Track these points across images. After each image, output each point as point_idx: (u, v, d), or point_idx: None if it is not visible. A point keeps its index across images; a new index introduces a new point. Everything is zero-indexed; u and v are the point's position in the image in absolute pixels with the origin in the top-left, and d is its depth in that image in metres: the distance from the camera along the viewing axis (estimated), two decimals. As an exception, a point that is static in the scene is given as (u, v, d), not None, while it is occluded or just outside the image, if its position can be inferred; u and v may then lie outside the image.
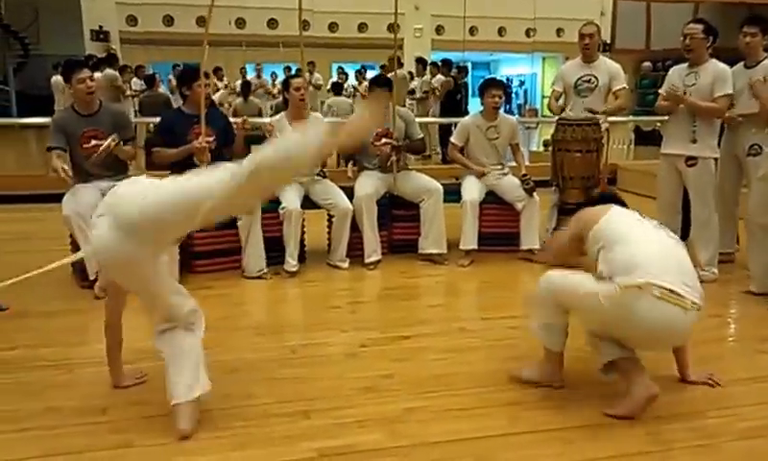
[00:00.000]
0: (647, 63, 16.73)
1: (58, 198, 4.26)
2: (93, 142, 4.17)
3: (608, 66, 5.06)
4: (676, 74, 4.50)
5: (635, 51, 16.67)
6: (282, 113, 4.99)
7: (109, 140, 4.16)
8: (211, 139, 4.42)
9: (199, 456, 2.36)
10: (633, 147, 10.53)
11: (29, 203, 6.72)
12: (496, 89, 4.98)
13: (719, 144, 4.50)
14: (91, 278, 4.10)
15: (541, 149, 10.16)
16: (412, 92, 11.14)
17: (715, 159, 4.45)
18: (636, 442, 2.47)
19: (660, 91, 4.67)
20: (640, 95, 15.60)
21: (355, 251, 4.84)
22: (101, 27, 16.28)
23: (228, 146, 4.64)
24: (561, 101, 5.19)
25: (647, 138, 10.43)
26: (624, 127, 10.64)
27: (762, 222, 4.14)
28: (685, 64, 4.47)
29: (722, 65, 4.35)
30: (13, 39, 17.76)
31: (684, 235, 4.79)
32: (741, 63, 4.40)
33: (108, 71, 10.46)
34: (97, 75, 7.66)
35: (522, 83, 22.48)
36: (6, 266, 4.26)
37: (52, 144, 4.20)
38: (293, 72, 8.35)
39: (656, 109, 4.85)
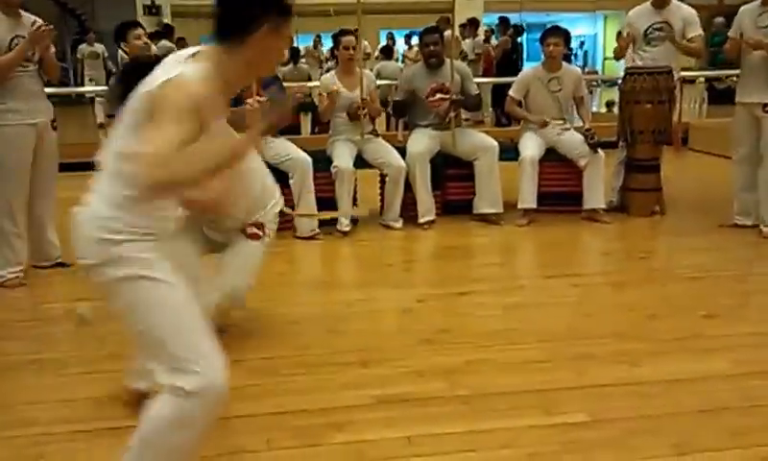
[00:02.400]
0: (720, 19, 15.95)
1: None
2: None
3: (682, 12, 4.81)
4: (747, 15, 4.27)
5: (705, 6, 15.94)
6: (332, 71, 4.97)
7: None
8: (262, 100, 4.42)
9: (259, 400, 2.39)
10: (705, 106, 10.14)
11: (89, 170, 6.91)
12: (555, 37, 4.80)
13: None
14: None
15: (604, 109, 9.89)
16: (462, 53, 10.96)
17: None
18: (719, 396, 2.37)
19: (729, 34, 4.45)
20: (712, 54, 14.96)
21: (408, 211, 4.80)
22: (153, 1, 16.60)
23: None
24: (626, 47, 4.96)
25: (721, 97, 10.00)
26: (696, 86, 10.25)
27: None
28: (758, 2, 4.24)
29: None
30: (71, 17, 18.35)
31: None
32: None
33: (165, 43, 10.62)
34: (153, 48, 7.80)
35: (582, 44, 21.84)
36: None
37: (111, 112, 4.32)
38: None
39: (725, 52, 4.63)
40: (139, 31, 4.34)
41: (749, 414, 2.26)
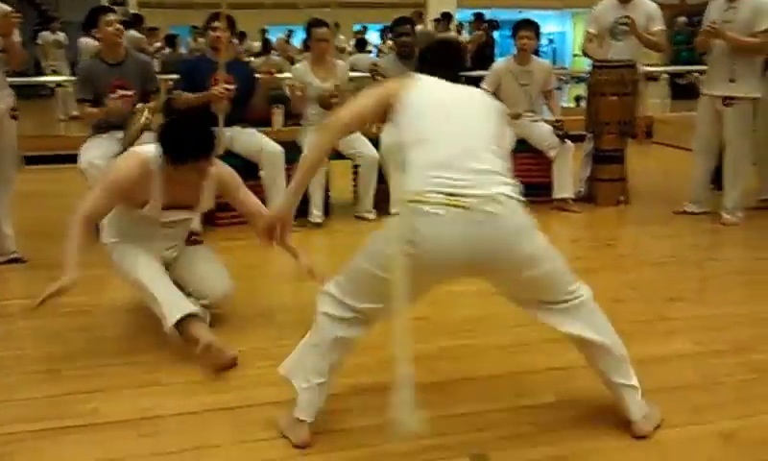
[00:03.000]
0: (682, 18, 16.26)
1: (74, 158, 4.25)
2: (119, 92, 4.16)
3: (645, 7, 4.91)
4: (714, 9, 4.37)
5: (669, 5, 16.18)
6: (305, 61, 4.96)
7: (143, 120, 4.08)
8: (231, 87, 4.38)
9: (228, 393, 2.38)
10: (669, 101, 10.34)
11: (48, 163, 6.79)
12: (527, 31, 4.87)
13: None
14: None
15: (572, 104, 10.02)
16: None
17: (754, 99, 4.33)
18: (680, 375, 2.44)
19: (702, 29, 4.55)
20: (675, 51, 15.22)
21: (382, 202, 4.80)
22: (118, -9, 16.28)
23: (250, 98, 4.63)
24: (595, 43, 5.05)
25: (683, 92, 10.22)
26: (660, 83, 10.46)
27: None
28: None
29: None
30: (28, 6, 17.80)
31: (717, 181, 4.73)
32: None
33: (133, 33, 10.46)
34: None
35: (551, 41, 22.05)
36: (29, 221, 4.34)
37: (80, 96, 4.24)
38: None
39: (696, 45, 4.74)
40: (112, 16, 4.20)
41: (710, 391, 2.34)
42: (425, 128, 1.92)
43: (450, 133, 1.90)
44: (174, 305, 2.62)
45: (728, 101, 4.31)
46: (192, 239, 3.14)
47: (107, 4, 16.25)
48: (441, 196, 1.76)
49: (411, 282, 1.78)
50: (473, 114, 2.01)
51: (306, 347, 2.13)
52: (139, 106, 4.16)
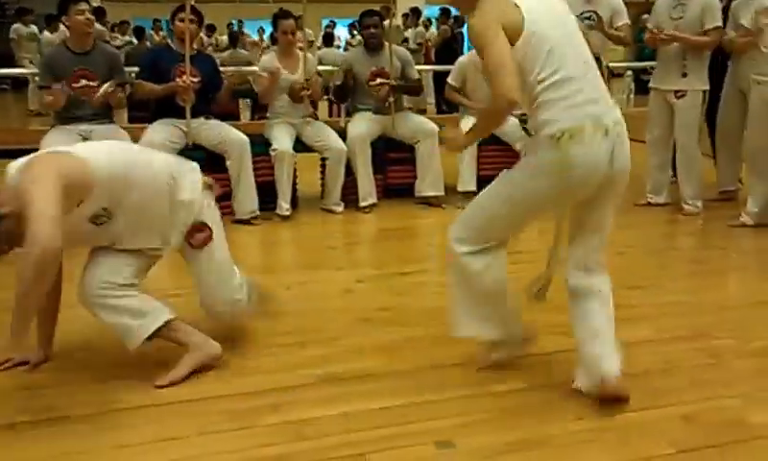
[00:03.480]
0: (646, 16, 16.46)
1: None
2: (83, 82, 4.08)
3: (610, 1, 4.94)
4: (663, 7, 4.44)
5: (634, 3, 16.39)
6: (272, 52, 4.91)
7: (106, 86, 4.09)
8: (196, 80, 4.31)
9: (191, 386, 2.33)
10: (632, 96, 10.49)
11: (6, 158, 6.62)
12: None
13: (721, 81, 4.47)
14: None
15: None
16: (405, 41, 11.00)
17: (704, 92, 4.42)
18: (640, 360, 2.47)
19: (647, 25, 4.62)
20: (639, 49, 15.43)
21: (350, 195, 4.79)
22: (82, -16, 15.94)
23: (215, 92, 4.56)
24: None
25: (646, 88, 10.36)
26: (624, 79, 10.61)
27: None
28: None
29: None
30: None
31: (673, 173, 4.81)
32: None
33: (96, 27, 10.26)
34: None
35: (519, 37, 22.20)
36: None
37: (43, 83, 4.17)
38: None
39: (645, 42, 4.80)
40: (83, 5, 4.11)
41: (670, 375, 2.37)
42: (562, 63, 2.05)
43: (575, 59, 2.09)
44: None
45: (679, 93, 4.40)
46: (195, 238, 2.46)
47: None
48: (590, 126, 2.03)
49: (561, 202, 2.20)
50: (576, 31, 2.21)
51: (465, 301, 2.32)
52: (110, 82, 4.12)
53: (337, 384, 2.33)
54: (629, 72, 10.93)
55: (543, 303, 2.45)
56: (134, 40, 11.56)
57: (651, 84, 4.64)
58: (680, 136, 4.51)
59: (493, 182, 2.28)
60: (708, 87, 4.44)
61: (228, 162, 4.35)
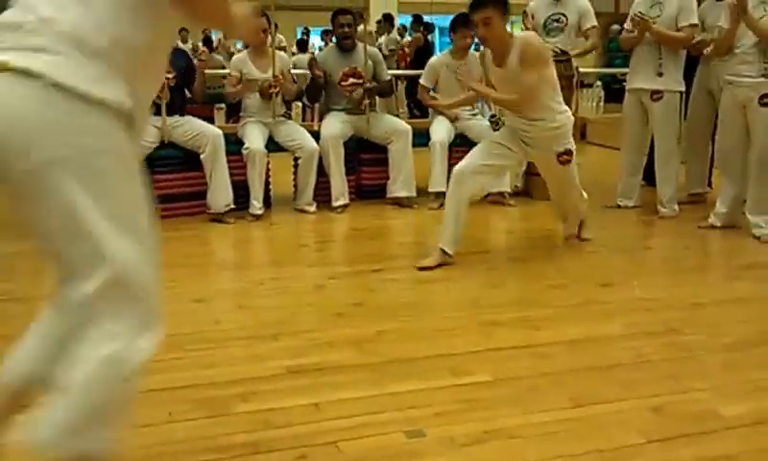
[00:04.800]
0: (615, 26, 16.72)
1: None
2: None
3: (578, 5, 4.97)
4: (640, 6, 4.46)
5: (604, 13, 16.63)
6: (245, 51, 4.84)
7: None
8: (170, 76, 4.24)
9: (161, 375, 2.26)
10: (602, 104, 10.61)
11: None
12: (468, 28, 4.84)
13: (691, 80, 4.50)
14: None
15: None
16: (378, 48, 10.99)
17: (681, 93, 4.44)
18: (612, 354, 2.45)
19: (624, 25, 4.64)
20: (609, 58, 15.69)
21: (322, 196, 4.73)
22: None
23: (189, 86, 4.51)
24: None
25: (616, 96, 10.49)
26: (594, 88, 10.74)
27: None
28: None
29: None
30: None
31: (648, 177, 4.84)
32: None
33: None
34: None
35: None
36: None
37: None
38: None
39: (621, 43, 4.83)
40: None
41: (639, 369, 2.35)
42: None
43: None
44: None
45: (656, 95, 4.39)
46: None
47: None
48: None
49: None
50: None
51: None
52: None
53: (308, 375, 2.27)
54: (598, 81, 11.06)
55: (510, 298, 2.44)
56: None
57: (627, 86, 4.63)
58: (658, 140, 4.49)
59: None
60: (683, 89, 4.44)
61: (201, 157, 4.28)
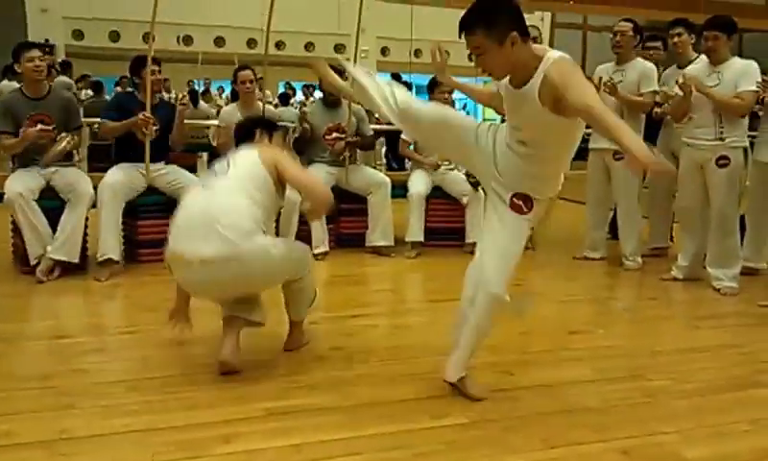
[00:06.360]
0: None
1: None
2: (39, 126, 4.04)
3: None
4: (603, 72, 4.64)
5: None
6: (234, 104, 4.92)
7: (64, 143, 4.09)
8: (155, 127, 4.25)
9: (143, 416, 2.26)
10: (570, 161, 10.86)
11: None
12: (445, 86, 5.01)
13: (655, 142, 4.67)
14: (32, 262, 3.94)
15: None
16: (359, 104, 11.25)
17: None
18: (581, 399, 2.49)
19: None
20: (575, 118, 16.06)
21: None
22: (47, 40, 15.77)
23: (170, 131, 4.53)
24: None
25: (581, 153, 10.75)
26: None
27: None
28: (611, 63, 4.63)
29: (648, 63, 4.53)
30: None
31: (614, 231, 4.97)
32: (675, 66, 4.60)
33: (62, 78, 10.14)
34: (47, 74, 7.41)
35: (465, 106, 22.89)
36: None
37: (2, 128, 4.08)
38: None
39: None
40: (33, 53, 4.07)
41: (607, 413, 2.39)
42: None
43: None
44: None
45: (618, 156, 4.53)
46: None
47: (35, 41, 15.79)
48: None
49: None
50: None
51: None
52: (63, 134, 4.12)
53: (288, 418, 2.27)
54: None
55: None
56: (90, 92, 11.46)
57: (591, 145, 4.79)
58: (620, 198, 4.63)
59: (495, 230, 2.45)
60: None
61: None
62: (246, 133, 2.98)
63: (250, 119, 3.26)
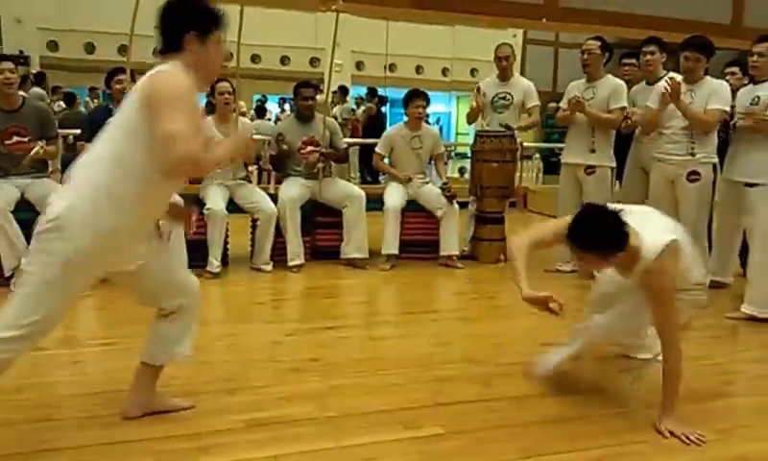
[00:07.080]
0: (553, 104, 17.53)
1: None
2: (15, 139, 4.01)
3: (522, 85, 5.25)
4: (575, 89, 4.74)
5: (542, 92, 17.44)
6: (210, 118, 4.88)
7: (38, 147, 4.08)
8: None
9: (128, 427, 2.22)
10: (541, 175, 11.03)
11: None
12: (420, 100, 5.07)
13: (625, 158, 4.76)
14: (6, 275, 3.85)
15: (457, 174, 10.49)
16: (334, 117, 11.24)
17: (612, 168, 4.70)
18: (556, 409, 2.50)
19: (560, 105, 4.91)
20: (547, 134, 16.36)
21: (279, 255, 4.74)
22: (21, 51, 15.54)
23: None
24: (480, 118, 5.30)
25: (553, 168, 10.94)
26: (534, 160, 11.18)
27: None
28: (583, 80, 4.72)
29: (618, 80, 4.64)
30: None
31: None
32: (644, 82, 4.70)
33: (36, 89, 9.99)
34: (22, 93, 7.29)
35: (438, 120, 23.07)
36: None
37: None
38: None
39: (557, 121, 5.09)
40: (4, 65, 4.05)
41: (583, 423, 2.41)
42: None
43: None
44: None
45: (589, 170, 4.63)
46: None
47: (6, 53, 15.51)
48: None
49: None
50: None
51: None
52: (39, 142, 4.10)
53: (267, 429, 2.26)
54: (537, 154, 11.53)
55: (459, 355, 2.49)
56: (63, 104, 11.30)
57: (563, 160, 4.86)
58: None
59: None
60: (614, 165, 4.70)
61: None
62: None
63: None
